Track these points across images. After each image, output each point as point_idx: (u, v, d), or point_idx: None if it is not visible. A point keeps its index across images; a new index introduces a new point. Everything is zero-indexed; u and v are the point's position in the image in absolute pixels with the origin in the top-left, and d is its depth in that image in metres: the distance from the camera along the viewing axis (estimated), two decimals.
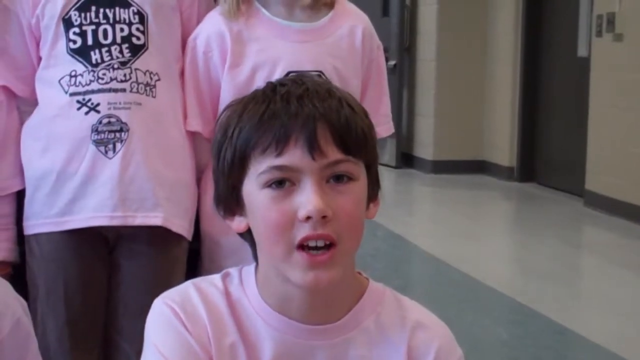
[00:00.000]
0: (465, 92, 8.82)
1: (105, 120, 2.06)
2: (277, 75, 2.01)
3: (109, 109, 2.06)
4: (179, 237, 2.13)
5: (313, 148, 1.29)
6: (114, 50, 2.07)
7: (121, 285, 2.13)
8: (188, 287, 1.40)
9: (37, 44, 2.12)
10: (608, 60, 6.97)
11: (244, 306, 1.38)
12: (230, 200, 1.37)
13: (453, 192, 8.09)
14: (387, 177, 8.74)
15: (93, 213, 2.06)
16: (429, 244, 6.11)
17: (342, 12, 2.16)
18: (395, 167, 9.10)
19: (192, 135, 2.16)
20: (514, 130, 8.40)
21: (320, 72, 2.09)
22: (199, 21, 2.17)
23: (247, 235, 1.38)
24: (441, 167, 8.82)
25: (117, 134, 2.06)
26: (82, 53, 2.07)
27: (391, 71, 8.68)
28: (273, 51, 2.08)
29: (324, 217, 1.29)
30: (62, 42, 2.08)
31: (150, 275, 2.09)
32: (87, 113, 2.06)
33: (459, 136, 8.84)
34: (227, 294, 1.39)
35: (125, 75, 2.07)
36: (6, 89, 2.14)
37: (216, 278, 1.41)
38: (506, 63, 8.45)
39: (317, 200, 1.28)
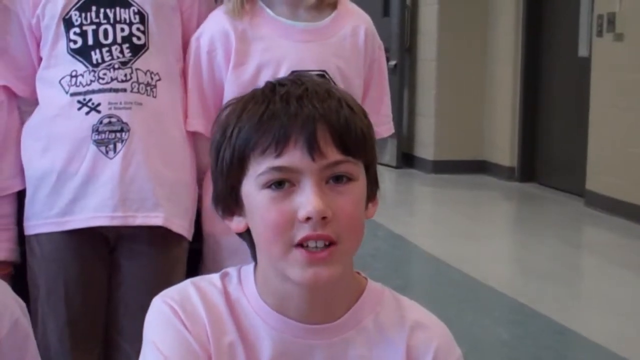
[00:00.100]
0: (465, 92, 8.82)
1: (105, 120, 2.06)
2: (281, 74, 2.01)
3: (110, 109, 2.06)
4: (179, 237, 2.13)
5: (313, 149, 1.29)
6: (115, 50, 2.07)
7: (122, 286, 2.13)
8: (187, 286, 1.40)
9: (38, 44, 2.12)
10: (608, 60, 6.97)
11: (242, 305, 1.38)
12: (229, 201, 1.37)
13: (453, 192, 8.09)
14: (388, 177, 8.75)
15: (93, 213, 2.06)
16: (429, 244, 6.11)
17: (345, 12, 2.17)
18: (396, 167, 9.10)
19: (193, 136, 2.17)
20: (515, 130, 8.40)
21: (324, 71, 2.09)
22: (199, 21, 2.17)
23: (246, 235, 1.38)
24: (442, 167, 8.82)
25: (118, 134, 2.06)
26: (82, 53, 2.07)
27: (392, 71, 8.68)
28: (277, 50, 2.09)
29: (323, 218, 1.29)
30: (63, 42, 2.08)
31: (150, 275, 2.10)
32: (87, 113, 2.06)
33: (460, 136, 8.84)
34: (226, 293, 1.39)
35: (125, 75, 2.07)
36: (7, 89, 2.15)
37: (215, 277, 1.41)
38: (507, 63, 8.45)
39: (316, 201, 1.28)
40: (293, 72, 1.99)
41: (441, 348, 1.39)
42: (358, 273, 1.43)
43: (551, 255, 5.88)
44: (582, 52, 7.46)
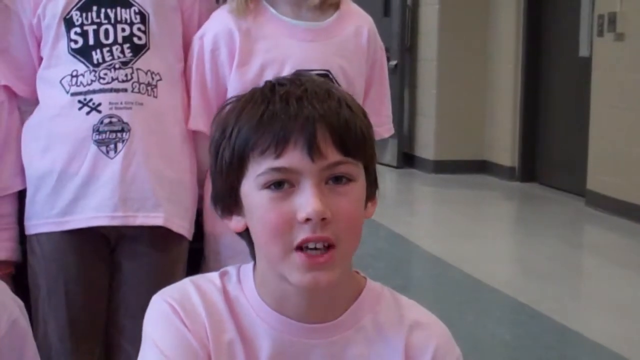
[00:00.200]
0: (466, 92, 8.82)
1: (106, 120, 2.06)
2: (285, 74, 2.01)
3: (111, 109, 2.06)
4: (179, 237, 2.13)
5: (312, 150, 1.29)
6: (116, 50, 2.07)
7: (122, 286, 2.13)
8: (187, 285, 1.40)
9: (38, 44, 2.12)
10: (609, 60, 6.97)
11: (241, 304, 1.38)
12: (228, 200, 1.37)
13: (454, 192, 8.09)
14: (389, 177, 8.75)
15: (94, 213, 2.06)
16: (430, 244, 6.11)
17: (348, 13, 2.17)
18: (397, 167, 9.10)
19: (194, 135, 2.16)
20: (515, 130, 8.40)
21: (328, 71, 2.09)
22: (200, 21, 2.17)
23: (245, 234, 1.38)
24: (442, 167, 8.82)
25: (119, 134, 2.06)
26: (83, 53, 2.07)
27: (392, 71, 8.67)
28: (281, 50, 2.09)
29: (323, 219, 1.28)
30: (64, 42, 2.08)
31: (151, 275, 2.10)
32: (88, 113, 2.06)
33: (461, 136, 8.84)
34: (225, 292, 1.39)
35: (126, 75, 2.07)
36: (7, 88, 2.15)
37: (214, 276, 1.41)
38: (507, 63, 8.45)
39: (316, 203, 1.28)
40: (297, 71, 1.99)
41: (440, 347, 1.39)
42: (357, 272, 1.43)
43: (552, 255, 5.88)
44: (583, 52, 7.46)
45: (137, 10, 2.09)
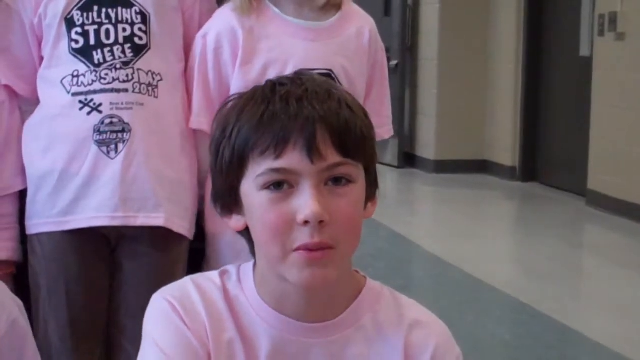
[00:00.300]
0: (467, 92, 8.82)
1: (107, 121, 2.06)
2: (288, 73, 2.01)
3: (111, 109, 2.06)
4: (180, 237, 2.13)
5: (312, 151, 1.29)
6: (117, 50, 2.07)
7: (123, 286, 2.13)
8: (187, 283, 1.40)
9: (39, 44, 2.12)
10: (610, 60, 6.97)
11: (241, 303, 1.38)
12: (228, 199, 1.37)
13: (455, 192, 8.09)
14: (390, 176, 8.75)
15: (94, 213, 2.06)
16: (430, 244, 6.11)
17: (350, 13, 2.18)
18: (398, 167, 9.10)
19: (196, 134, 2.16)
20: (516, 129, 8.40)
21: (330, 70, 2.10)
22: (201, 21, 2.17)
23: (245, 233, 1.38)
24: (443, 166, 8.82)
25: (119, 135, 2.06)
26: (84, 53, 2.07)
27: (393, 71, 8.67)
28: (284, 49, 2.09)
29: (321, 221, 1.28)
30: (65, 42, 2.08)
31: (151, 275, 2.10)
32: (89, 113, 2.06)
33: (461, 136, 8.84)
34: (225, 291, 1.39)
35: (127, 75, 2.07)
36: (8, 88, 2.15)
37: (214, 275, 1.41)
38: (508, 62, 8.45)
39: (315, 206, 1.28)
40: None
41: (440, 346, 1.39)
42: (357, 272, 1.43)
43: (552, 254, 5.88)
44: (584, 51, 7.46)
45: (138, 10, 2.09)
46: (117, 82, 2.06)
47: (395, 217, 6.73)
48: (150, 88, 2.09)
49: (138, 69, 2.08)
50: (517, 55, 8.36)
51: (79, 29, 2.08)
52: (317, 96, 1.32)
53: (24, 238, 2.15)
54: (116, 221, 2.06)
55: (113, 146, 2.06)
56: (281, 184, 1.30)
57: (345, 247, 1.32)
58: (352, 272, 1.42)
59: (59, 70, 2.09)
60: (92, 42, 2.07)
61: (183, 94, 2.15)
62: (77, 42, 2.08)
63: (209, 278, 1.41)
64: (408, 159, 9.23)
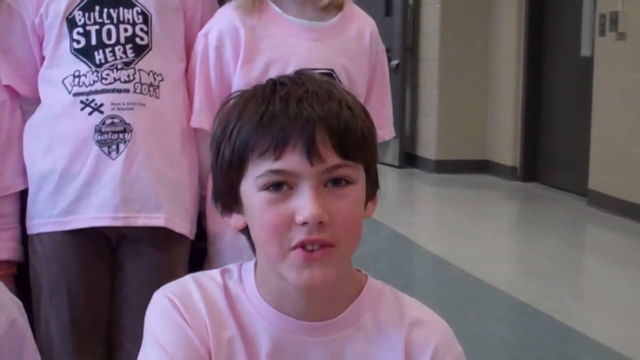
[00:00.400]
0: (468, 92, 8.82)
1: (108, 121, 2.06)
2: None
3: (113, 109, 2.06)
4: (181, 237, 2.13)
5: (311, 153, 1.29)
6: (118, 50, 2.07)
7: (124, 286, 2.13)
8: (188, 281, 1.40)
9: (41, 43, 2.12)
10: (611, 60, 6.96)
11: (242, 302, 1.39)
12: (228, 198, 1.37)
13: (456, 192, 8.09)
14: (390, 177, 8.75)
15: (96, 213, 2.06)
16: (431, 244, 6.11)
17: (351, 14, 2.18)
18: (399, 167, 9.10)
19: (197, 133, 2.16)
20: (517, 129, 8.40)
21: (331, 70, 2.10)
22: (202, 21, 2.17)
23: (246, 231, 1.38)
24: (444, 166, 8.82)
25: (121, 135, 2.06)
26: (85, 53, 2.07)
27: (394, 71, 8.68)
28: (286, 48, 2.09)
29: (320, 222, 1.28)
30: (66, 42, 2.08)
31: (152, 275, 2.10)
32: (90, 113, 2.06)
33: (462, 136, 8.84)
34: (226, 289, 1.39)
35: (129, 75, 2.07)
36: (9, 88, 2.15)
37: (215, 273, 1.42)
38: (509, 62, 8.45)
39: (314, 207, 1.28)
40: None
41: (441, 345, 1.39)
42: (359, 270, 1.43)
43: (553, 254, 5.88)
44: (585, 51, 7.46)
45: (139, 11, 2.09)
46: (118, 82, 2.06)
47: (396, 217, 6.73)
48: (151, 88, 2.09)
49: (139, 69, 2.08)
50: (518, 55, 8.36)
51: (80, 29, 2.08)
52: (318, 97, 1.32)
53: (24, 238, 2.15)
54: (117, 221, 2.07)
55: (114, 146, 2.06)
56: (280, 185, 1.30)
57: (344, 247, 1.32)
58: (353, 270, 1.42)
59: (60, 70, 2.09)
60: (93, 42, 2.07)
61: (184, 94, 2.15)
62: (78, 42, 2.08)
63: (210, 276, 1.41)
64: (409, 159, 9.23)
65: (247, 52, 2.09)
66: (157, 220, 2.08)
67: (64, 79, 2.08)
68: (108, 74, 2.06)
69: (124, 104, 2.06)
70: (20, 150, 2.14)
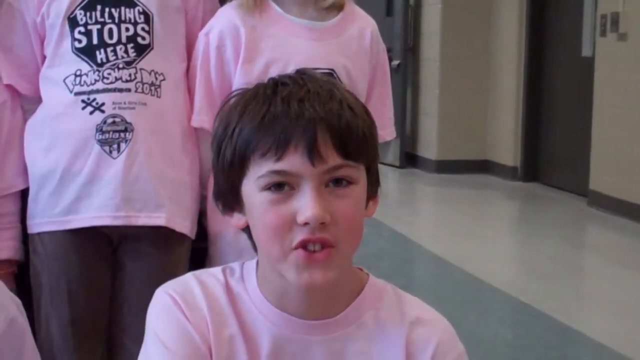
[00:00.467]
0: (469, 92, 8.81)
1: (110, 120, 2.06)
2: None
3: (114, 108, 2.06)
4: (182, 236, 2.13)
5: (313, 154, 1.29)
6: (119, 49, 2.08)
7: (125, 285, 2.13)
8: (189, 278, 1.41)
9: (42, 43, 2.13)
10: (612, 60, 6.96)
11: (243, 300, 1.39)
12: (230, 198, 1.37)
13: (457, 192, 8.08)
14: (391, 177, 8.74)
15: (96, 213, 2.07)
16: (432, 244, 6.11)
17: (352, 14, 2.18)
18: (399, 167, 9.09)
19: (197, 133, 2.16)
20: (518, 129, 8.39)
21: (332, 70, 2.10)
22: (204, 21, 2.17)
23: (247, 230, 1.39)
24: (445, 166, 8.81)
25: (122, 134, 2.06)
26: (87, 52, 2.08)
27: (395, 71, 8.68)
28: (286, 48, 2.10)
29: (322, 223, 1.29)
30: (67, 41, 2.08)
31: (153, 274, 2.10)
32: (91, 113, 2.06)
33: (463, 136, 8.83)
34: (228, 287, 1.40)
35: (130, 75, 2.07)
36: (10, 87, 2.15)
37: (217, 271, 1.42)
38: (510, 63, 8.45)
39: (315, 208, 1.28)
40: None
41: (442, 344, 1.39)
42: (361, 269, 1.43)
43: (554, 254, 5.87)
44: (586, 51, 7.45)
45: (141, 10, 2.09)
46: (119, 81, 2.07)
47: (397, 217, 6.73)
48: (153, 88, 2.09)
49: (141, 69, 2.08)
50: (518, 56, 8.36)
51: (81, 29, 2.08)
52: (319, 97, 1.32)
53: (25, 237, 2.15)
54: (118, 221, 2.07)
55: (115, 146, 2.06)
56: (282, 186, 1.30)
57: (345, 247, 1.32)
58: (354, 269, 1.42)
59: (61, 70, 2.09)
60: (95, 41, 2.07)
61: (185, 93, 2.16)
62: (80, 41, 2.08)
63: (212, 274, 1.41)
64: (410, 159, 9.23)
65: (247, 52, 2.09)
66: (157, 219, 2.08)
67: (65, 78, 2.08)
68: (109, 73, 2.07)
69: (125, 103, 2.06)
70: (21, 149, 2.14)
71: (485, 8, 8.75)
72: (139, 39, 2.09)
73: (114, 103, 2.06)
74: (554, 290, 5.09)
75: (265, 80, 1.38)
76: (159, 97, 2.10)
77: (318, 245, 1.29)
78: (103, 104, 2.06)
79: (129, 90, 2.07)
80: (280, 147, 1.29)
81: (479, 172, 8.70)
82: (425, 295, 1.47)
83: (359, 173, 1.33)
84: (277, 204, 1.30)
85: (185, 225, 2.13)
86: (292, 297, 1.36)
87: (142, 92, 2.08)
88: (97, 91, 2.06)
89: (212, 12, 2.17)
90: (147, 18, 2.10)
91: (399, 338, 1.38)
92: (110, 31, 2.08)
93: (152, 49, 2.10)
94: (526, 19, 8.28)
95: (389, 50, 2.31)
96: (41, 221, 2.11)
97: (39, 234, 2.11)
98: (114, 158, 2.06)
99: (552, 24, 8.14)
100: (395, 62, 8.92)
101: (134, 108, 2.07)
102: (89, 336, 2.12)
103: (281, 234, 1.30)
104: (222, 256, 2.12)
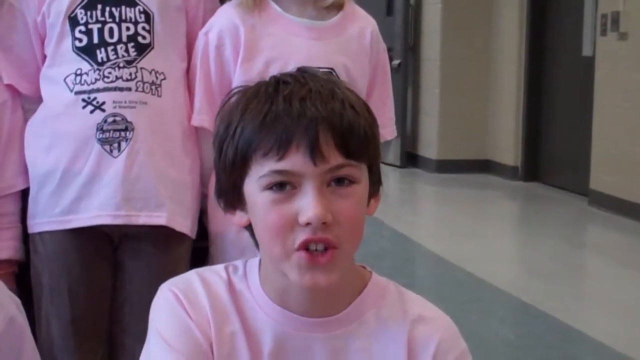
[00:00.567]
0: (469, 92, 8.82)
1: (110, 119, 2.06)
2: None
3: (114, 107, 2.06)
4: (182, 236, 2.13)
5: (314, 153, 1.29)
6: (120, 49, 2.07)
7: (125, 285, 2.13)
8: (192, 275, 1.41)
9: (42, 42, 2.12)
10: (612, 60, 6.96)
11: (245, 297, 1.39)
12: (232, 196, 1.37)
13: (457, 192, 8.08)
14: (392, 176, 8.74)
15: (97, 212, 2.06)
16: (433, 244, 6.11)
17: (352, 13, 2.18)
18: (400, 167, 9.09)
19: (197, 132, 2.16)
20: (519, 129, 8.39)
21: (332, 69, 2.10)
22: (204, 20, 2.17)
23: (249, 228, 1.39)
24: (445, 166, 8.81)
25: (122, 133, 2.06)
26: (87, 51, 2.07)
27: (395, 71, 8.68)
28: (286, 47, 2.09)
29: (324, 222, 1.29)
30: (68, 40, 2.08)
31: (154, 274, 2.09)
32: (92, 112, 2.06)
33: (464, 135, 8.84)
34: (230, 285, 1.40)
35: (130, 74, 2.07)
36: (11, 87, 2.15)
37: (220, 268, 1.42)
38: (510, 62, 8.45)
39: (317, 207, 1.28)
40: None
41: (444, 341, 1.39)
42: (363, 267, 1.43)
43: (555, 254, 5.87)
44: (586, 51, 7.45)
45: (141, 10, 2.09)
46: (120, 80, 2.06)
47: (398, 216, 6.73)
48: (153, 87, 2.09)
49: (141, 68, 2.08)
50: (519, 55, 8.36)
51: (82, 28, 2.08)
52: (321, 96, 1.32)
53: (25, 237, 2.15)
54: (118, 220, 2.06)
55: (116, 145, 2.06)
56: (284, 185, 1.30)
57: (348, 247, 1.32)
58: (357, 267, 1.42)
59: (62, 69, 2.09)
60: (95, 40, 2.07)
61: (186, 93, 2.15)
62: (80, 40, 2.08)
63: (215, 271, 1.42)
64: (410, 158, 9.23)
65: (246, 51, 2.09)
66: (158, 219, 2.08)
67: (66, 77, 2.08)
68: (110, 72, 2.06)
69: (125, 102, 2.06)
70: (21, 149, 2.14)
71: (485, 7, 8.75)
72: (140, 38, 2.09)
73: (114, 102, 2.06)
74: (555, 289, 5.09)
75: (267, 78, 1.37)
76: (160, 96, 2.09)
77: (320, 245, 1.29)
78: (103, 103, 2.06)
79: (129, 89, 2.07)
80: (282, 147, 1.29)
81: (479, 171, 8.70)
82: (426, 295, 1.47)
83: (361, 172, 1.33)
84: (279, 204, 1.30)
85: (185, 224, 2.12)
86: (294, 295, 1.36)
87: (143, 91, 2.07)
88: (98, 90, 2.06)
89: (213, 12, 2.17)
90: (148, 17, 2.10)
91: (401, 335, 1.38)
92: (111, 30, 2.08)
93: (153, 48, 2.10)
94: (527, 18, 8.28)
95: (389, 50, 2.31)
96: (41, 221, 2.10)
97: (39, 233, 2.11)
98: (115, 157, 2.06)
99: (552, 23, 8.14)
100: (396, 62, 8.92)
101: (134, 107, 2.06)
102: (90, 336, 2.12)
103: (283, 234, 1.30)
104: (223, 256, 2.12)
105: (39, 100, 2.14)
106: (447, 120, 8.86)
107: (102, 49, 2.07)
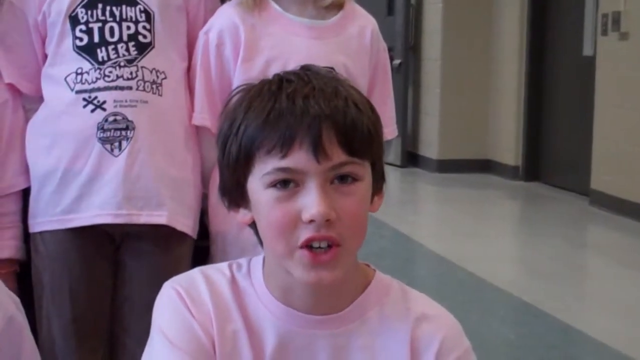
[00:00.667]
0: (470, 91, 8.82)
1: (111, 118, 2.06)
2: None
3: (115, 106, 2.06)
4: (183, 235, 2.13)
5: (318, 151, 1.29)
6: (121, 48, 2.07)
7: (127, 284, 2.13)
8: (195, 273, 1.42)
9: (43, 41, 2.12)
10: (613, 59, 6.96)
11: (249, 295, 1.39)
12: (235, 194, 1.37)
13: (458, 192, 8.08)
14: (393, 176, 8.74)
15: (98, 211, 2.06)
16: (434, 243, 6.11)
17: (352, 13, 2.18)
18: (401, 166, 9.09)
19: (198, 131, 2.16)
20: (519, 129, 8.39)
21: (332, 68, 2.09)
22: (205, 20, 2.17)
23: (253, 226, 1.39)
24: (446, 166, 8.81)
25: (123, 132, 2.06)
26: (88, 50, 2.07)
27: (396, 70, 8.68)
28: (286, 47, 2.09)
29: (327, 220, 1.29)
30: (69, 40, 2.08)
31: (154, 273, 2.09)
32: (93, 111, 2.06)
33: (464, 135, 8.84)
34: (234, 282, 1.40)
35: (131, 73, 2.07)
36: (12, 86, 2.15)
37: (224, 266, 1.43)
38: (511, 62, 8.45)
39: (320, 205, 1.28)
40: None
41: (447, 340, 1.39)
42: (367, 265, 1.44)
43: (556, 254, 5.87)
44: (587, 51, 7.45)
45: (142, 9, 2.09)
46: (121, 79, 2.06)
47: (399, 216, 6.73)
48: (154, 86, 2.09)
49: (142, 67, 2.08)
50: (520, 55, 8.36)
51: (83, 27, 2.08)
52: (324, 94, 1.32)
53: (26, 236, 2.15)
54: (119, 219, 2.06)
55: (117, 144, 2.06)
56: (287, 183, 1.31)
57: (351, 244, 1.33)
58: (361, 265, 1.42)
59: (62, 68, 2.09)
60: (96, 39, 2.07)
61: (186, 92, 2.15)
62: (81, 39, 2.08)
63: (219, 269, 1.42)
64: (411, 158, 9.23)
65: (246, 50, 2.09)
66: (159, 218, 2.08)
67: (67, 76, 2.08)
68: (111, 72, 2.06)
69: (126, 101, 2.06)
70: (22, 148, 2.14)
71: (486, 6, 8.75)
72: (140, 37, 2.09)
73: (115, 101, 2.06)
74: (556, 289, 5.09)
75: (270, 77, 1.37)
76: (160, 95, 2.09)
77: (324, 243, 1.30)
78: (104, 102, 2.06)
79: (130, 88, 2.07)
80: (285, 144, 1.29)
81: (480, 171, 8.70)
82: (427, 295, 1.47)
83: (364, 170, 1.34)
84: (283, 202, 1.30)
85: (187, 224, 2.12)
86: (297, 293, 1.36)
87: (144, 90, 2.07)
88: (99, 89, 2.06)
89: (213, 11, 2.18)
90: (149, 16, 2.10)
91: (404, 334, 1.39)
92: (112, 29, 2.08)
93: (153, 47, 2.10)
94: (527, 18, 8.28)
95: (390, 50, 2.31)
96: (42, 220, 2.10)
97: (40, 233, 2.11)
98: (116, 156, 2.06)
99: (553, 23, 8.14)
100: (397, 61, 8.92)
101: (135, 106, 2.06)
102: (90, 335, 2.12)
103: (286, 231, 1.30)
104: (224, 255, 2.12)
105: (40, 99, 2.14)
106: (448, 120, 8.86)
107: (103, 48, 2.07)
